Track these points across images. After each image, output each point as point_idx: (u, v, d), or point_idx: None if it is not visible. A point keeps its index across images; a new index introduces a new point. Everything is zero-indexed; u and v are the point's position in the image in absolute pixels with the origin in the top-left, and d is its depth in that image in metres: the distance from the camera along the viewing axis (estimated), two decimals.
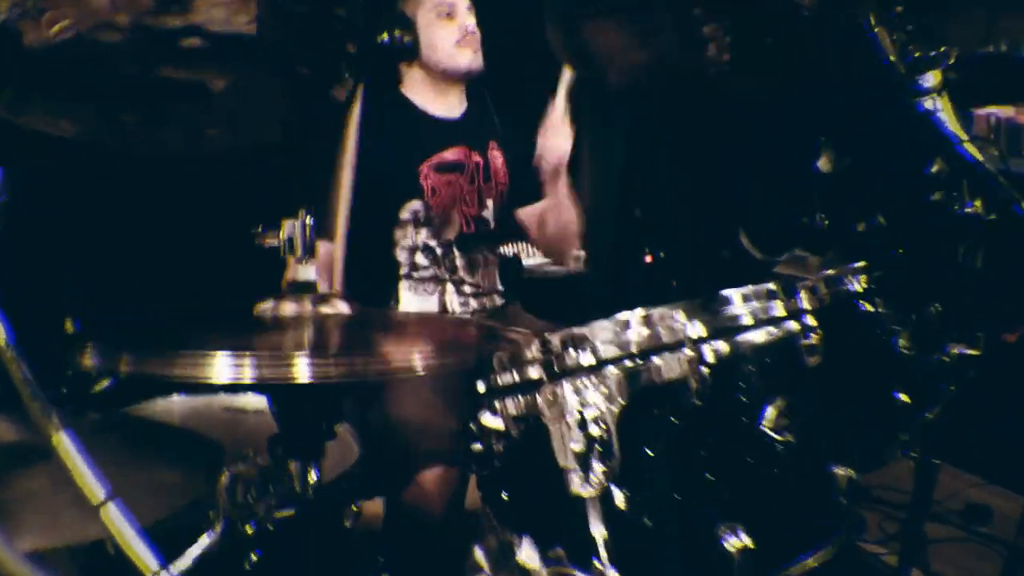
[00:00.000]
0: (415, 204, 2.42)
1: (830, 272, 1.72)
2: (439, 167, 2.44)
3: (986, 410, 1.84)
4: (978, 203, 1.73)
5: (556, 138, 2.45)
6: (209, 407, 2.08)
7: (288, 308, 1.30)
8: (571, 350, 1.33)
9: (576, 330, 1.35)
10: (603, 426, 1.27)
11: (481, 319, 2.46)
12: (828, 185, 1.66)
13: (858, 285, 1.72)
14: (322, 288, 2.12)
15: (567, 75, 2.45)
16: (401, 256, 2.44)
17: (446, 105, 2.53)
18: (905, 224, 1.84)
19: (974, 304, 1.79)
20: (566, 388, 1.30)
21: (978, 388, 1.76)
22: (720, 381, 1.34)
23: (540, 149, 2.48)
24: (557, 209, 2.55)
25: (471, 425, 1.58)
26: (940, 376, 1.77)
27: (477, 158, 2.53)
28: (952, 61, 1.43)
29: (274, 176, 2.02)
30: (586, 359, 1.32)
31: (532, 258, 3.67)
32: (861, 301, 1.72)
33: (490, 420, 1.50)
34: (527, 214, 2.68)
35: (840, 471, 1.49)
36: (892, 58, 1.44)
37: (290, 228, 1.32)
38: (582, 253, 3.72)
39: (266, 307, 1.31)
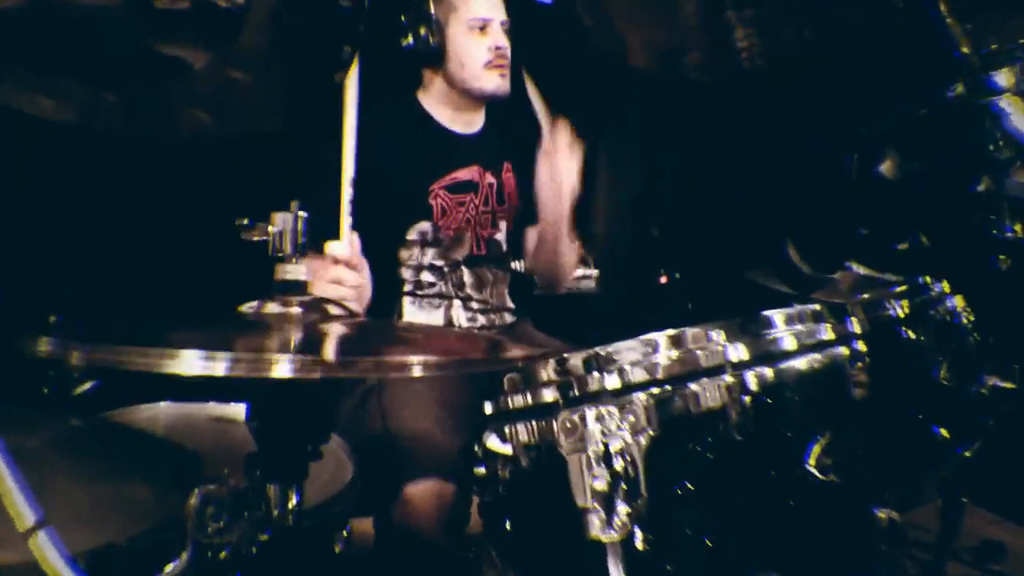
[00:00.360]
0: (423, 225, 2.27)
1: (867, 296, 1.60)
2: (451, 187, 2.30)
3: (1003, 445, 1.72)
4: (1018, 227, 1.62)
5: (559, 169, 2.32)
6: (196, 416, 1.93)
7: (273, 309, 1.15)
8: (594, 372, 1.17)
9: (600, 350, 1.20)
10: (628, 459, 1.11)
11: (490, 335, 2.31)
12: (887, 193, 1.52)
13: (899, 310, 1.59)
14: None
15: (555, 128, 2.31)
16: (406, 274, 2.31)
17: (464, 121, 2.39)
18: (946, 244, 1.72)
19: (1011, 333, 1.71)
20: (588, 416, 1.13)
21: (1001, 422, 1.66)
22: (763, 412, 1.18)
23: (539, 185, 2.35)
24: (551, 237, 2.42)
25: (475, 447, 1.43)
26: (979, 410, 1.64)
27: (491, 179, 2.38)
28: None
29: (265, 163, 1.88)
30: (611, 382, 1.16)
31: None
32: (903, 328, 1.58)
33: (497, 444, 1.35)
34: (528, 232, 2.56)
35: (882, 513, 1.34)
36: (965, 50, 1.29)
37: (281, 221, 1.16)
38: (593, 272, 3.62)
39: (250, 309, 1.16)
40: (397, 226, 2.27)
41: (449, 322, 2.35)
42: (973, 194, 1.62)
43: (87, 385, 1.89)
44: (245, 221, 1.16)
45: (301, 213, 1.16)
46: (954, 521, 1.89)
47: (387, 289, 2.28)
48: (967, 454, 1.68)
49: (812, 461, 1.21)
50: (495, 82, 2.29)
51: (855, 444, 1.31)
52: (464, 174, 2.33)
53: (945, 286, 1.75)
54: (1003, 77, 1.32)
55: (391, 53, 2.28)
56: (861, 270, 2.13)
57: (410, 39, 2.23)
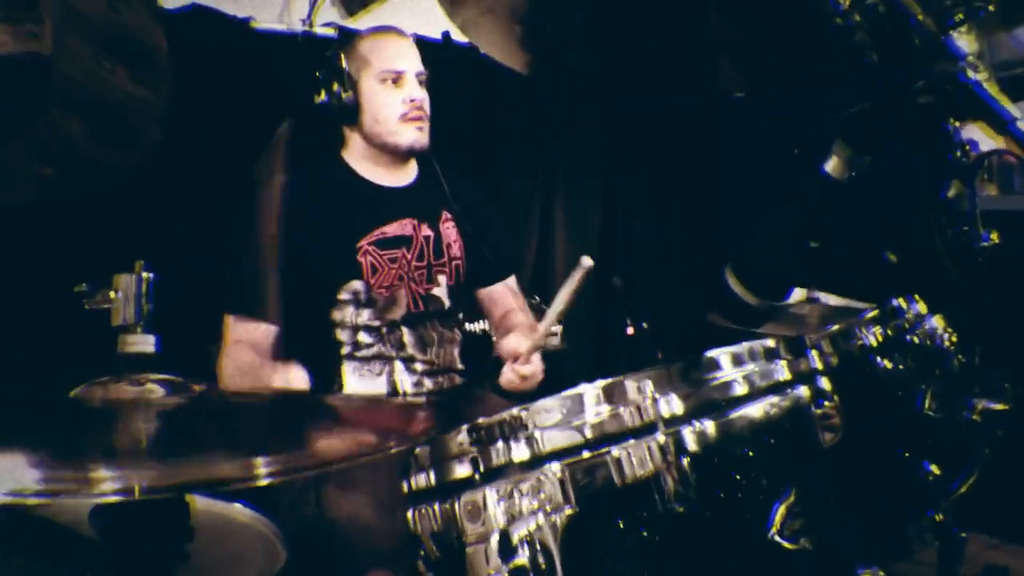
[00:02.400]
0: (354, 284, 2.11)
1: (836, 328, 1.43)
2: (380, 243, 2.15)
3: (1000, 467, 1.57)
4: (995, 235, 1.50)
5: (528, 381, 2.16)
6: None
7: (119, 392, 0.95)
8: (500, 442, 0.97)
9: (514, 412, 0.99)
10: (540, 547, 0.90)
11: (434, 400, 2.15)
12: (835, 198, 1.34)
13: (873, 338, 1.42)
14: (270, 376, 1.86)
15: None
16: (343, 335, 2.14)
17: (391, 173, 2.25)
18: (916, 257, 1.56)
19: (997, 350, 1.58)
20: (489, 495, 0.93)
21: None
22: (707, 475, 0.98)
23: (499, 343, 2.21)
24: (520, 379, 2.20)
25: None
26: (972, 438, 1.48)
27: (427, 231, 2.23)
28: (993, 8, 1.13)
29: (106, 217, 1.68)
30: (519, 453, 0.96)
31: None
32: (879, 357, 1.41)
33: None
34: (486, 296, 2.45)
35: (868, 575, 1.15)
36: (920, 17, 1.12)
37: (124, 285, 0.97)
38: (557, 327, 3.47)
39: (90, 392, 0.96)
40: (327, 287, 2.11)
41: (393, 389, 2.16)
42: (943, 201, 1.47)
43: None
44: (84, 287, 0.97)
45: (146, 274, 0.97)
46: (954, 559, 1.70)
47: (325, 355, 2.13)
48: (963, 489, 1.51)
49: (777, 528, 1.01)
50: (412, 136, 2.16)
51: (828, 499, 1.11)
52: (394, 228, 2.18)
53: (921, 306, 1.60)
54: (964, 44, 1.16)
55: (311, 112, 2.18)
56: (832, 300, 1.97)
57: (323, 96, 2.16)
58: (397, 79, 2.15)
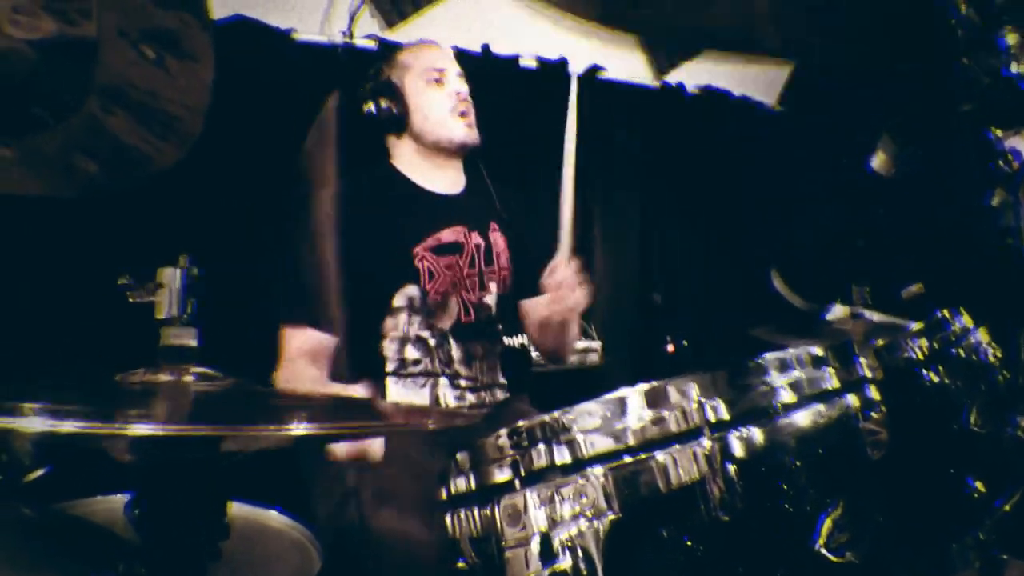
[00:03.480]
0: (410, 289, 2.12)
1: (881, 343, 1.40)
2: (436, 249, 2.16)
3: None
4: None
5: (566, 290, 2.07)
6: None
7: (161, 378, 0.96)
8: (541, 444, 0.95)
9: (555, 415, 0.98)
10: (581, 553, 0.88)
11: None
12: (881, 195, 1.32)
13: (918, 351, 1.39)
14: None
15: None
16: (389, 350, 2.12)
17: (443, 180, 2.28)
18: (962, 265, 1.54)
19: None
20: (529, 499, 0.91)
21: None
22: (753, 484, 0.96)
23: (545, 304, 2.12)
24: (559, 293, 2.11)
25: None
26: (1017, 455, 1.48)
27: (478, 239, 2.25)
28: None
29: (149, 210, 1.69)
30: (561, 456, 0.94)
31: None
32: (924, 370, 1.39)
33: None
34: (528, 306, 2.41)
35: None
36: (963, 9, 1.11)
37: (168, 279, 0.98)
38: (597, 344, 3.43)
39: (133, 378, 0.97)
40: (383, 293, 2.12)
41: (436, 401, 2.15)
42: (988, 208, 1.45)
43: (39, 472, 1.73)
44: (127, 279, 0.98)
45: (191, 268, 0.98)
46: None
47: (369, 369, 2.10)
48: (1007, 508, 1.47)
49: (823, 540, 0.98)
50: (462, 131, 2.22)
51: (875, 513, 1.08)
52: (449, 235, 2.20)
53: (967, 319, 1.56)
54: (1007, 38, 1.13)
55: (357, 123, 2.20)
56: (875, 317, 1.94)
57: (370, 106, 2.22)
58: (440, 78, 2.23)
